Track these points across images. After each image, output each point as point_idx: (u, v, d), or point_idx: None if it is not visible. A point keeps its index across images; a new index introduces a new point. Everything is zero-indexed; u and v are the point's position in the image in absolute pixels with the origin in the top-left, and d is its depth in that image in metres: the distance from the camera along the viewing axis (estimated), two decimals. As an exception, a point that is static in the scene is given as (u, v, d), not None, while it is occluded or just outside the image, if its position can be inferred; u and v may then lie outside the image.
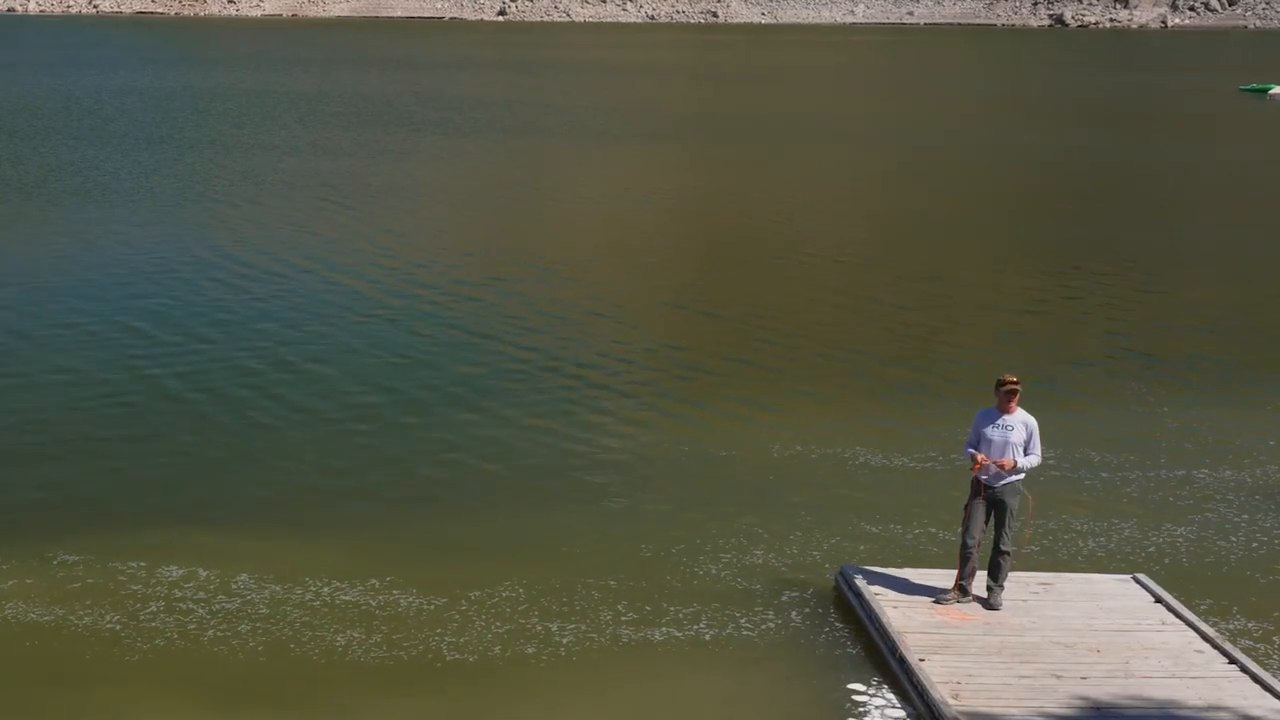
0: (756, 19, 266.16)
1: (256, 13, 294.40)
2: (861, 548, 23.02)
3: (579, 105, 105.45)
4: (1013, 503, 20.13)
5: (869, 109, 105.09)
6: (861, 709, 18.16)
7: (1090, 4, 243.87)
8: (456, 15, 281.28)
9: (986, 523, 20.31)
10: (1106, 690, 18.00)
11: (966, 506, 20.35)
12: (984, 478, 20.03)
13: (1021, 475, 20.11)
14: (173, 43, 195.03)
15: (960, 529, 20.48)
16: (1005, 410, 20.06)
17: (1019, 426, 19.98)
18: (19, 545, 22.67)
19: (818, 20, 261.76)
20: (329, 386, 31.75)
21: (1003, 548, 20.24)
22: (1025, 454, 19.95)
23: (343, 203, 57.73)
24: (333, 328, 36.74)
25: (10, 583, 21.32)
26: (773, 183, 66.61)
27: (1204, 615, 20.48)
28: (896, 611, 19.89)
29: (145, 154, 73.35)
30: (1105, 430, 28.91)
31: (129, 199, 57.67)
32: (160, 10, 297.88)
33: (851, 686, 18.63)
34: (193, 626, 20.03)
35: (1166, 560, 22.81)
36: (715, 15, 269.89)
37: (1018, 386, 20.09)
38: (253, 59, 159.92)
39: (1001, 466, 19.86)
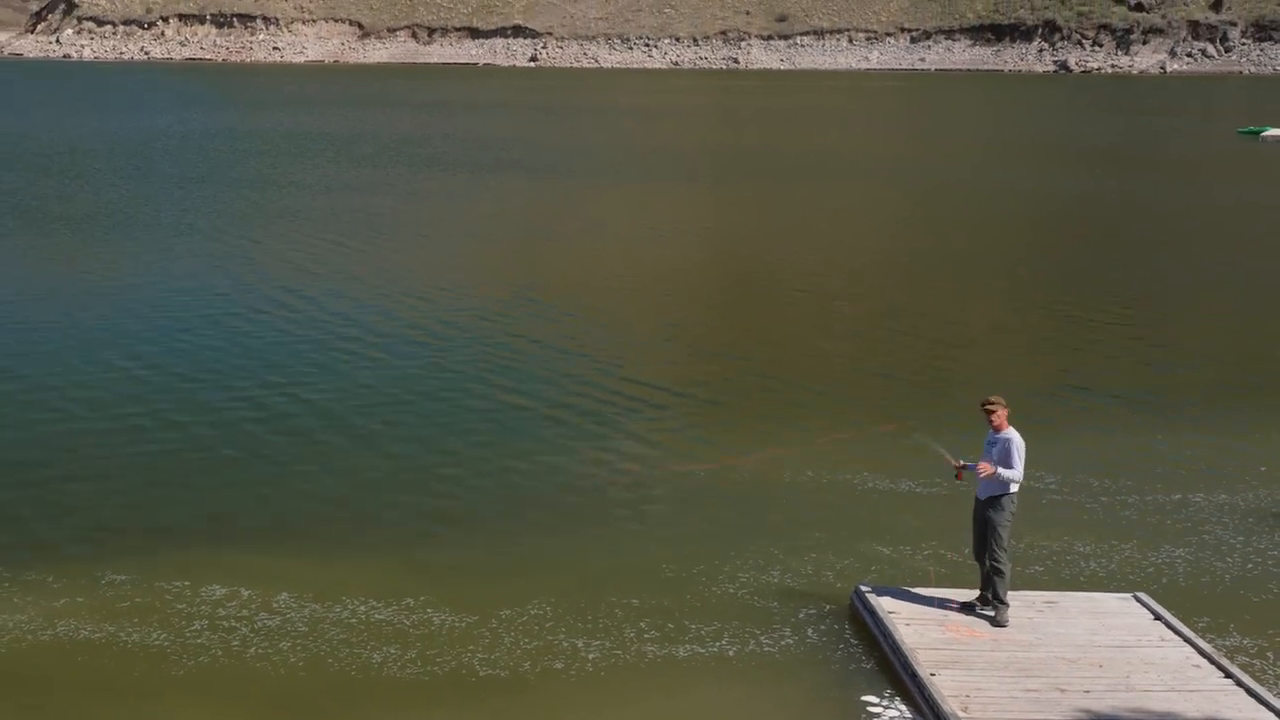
0: (776, 65, 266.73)
1: (300, 59, 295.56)
2: (872, 568, 23.10)
3: (602, 146, 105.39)
4: (996, 518, 20.37)
5: (882, 150, 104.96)
6: (876, 721, 18.30)
7: (1093, 51, 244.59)
8: (490, 62, 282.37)
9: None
10: (1108, 703, 18.10)
11: None
12: (980, 496, 20.49)
13: (1003, 489, 20.37)
14: (219, 87, 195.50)
15: None
16: (994, 429, 20.47)
17: (1000, 442, 20.42)
18: (70, 565, 22.81)
19: (834, 66, 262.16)
20: (365, 414, 31.79)
21: (988, 563, 20.55)
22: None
23: (373, 238, 57.86)
24: (364, 358, 36.81)
25: (62, 601, 21.44)
26: (787, 220, 66.63)
27: (1201, 632, 20.56)
28: (909, 629, 20.02)
29: (186, 192, 73.63)
30: (1104, 457, 28.98)
31: (171, 234, 57.83)
32: (209, 57, 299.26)
33: (866, 699, 18.74)
34: (235, 643, 20.13)
35: (1165, 580, 22.87)
36: (736, 61, 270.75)
37: (987, 407, 20.69)
38: (294, 102, 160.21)
39: (978, 470, 20.38)
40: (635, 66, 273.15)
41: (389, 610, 21.26)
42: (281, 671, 19.38)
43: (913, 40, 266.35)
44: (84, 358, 36.63)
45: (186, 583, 22.08)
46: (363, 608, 21.31)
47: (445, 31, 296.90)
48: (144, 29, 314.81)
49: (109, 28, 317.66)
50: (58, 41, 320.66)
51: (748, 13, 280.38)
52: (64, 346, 37.85)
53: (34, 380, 34.40)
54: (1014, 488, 20.35)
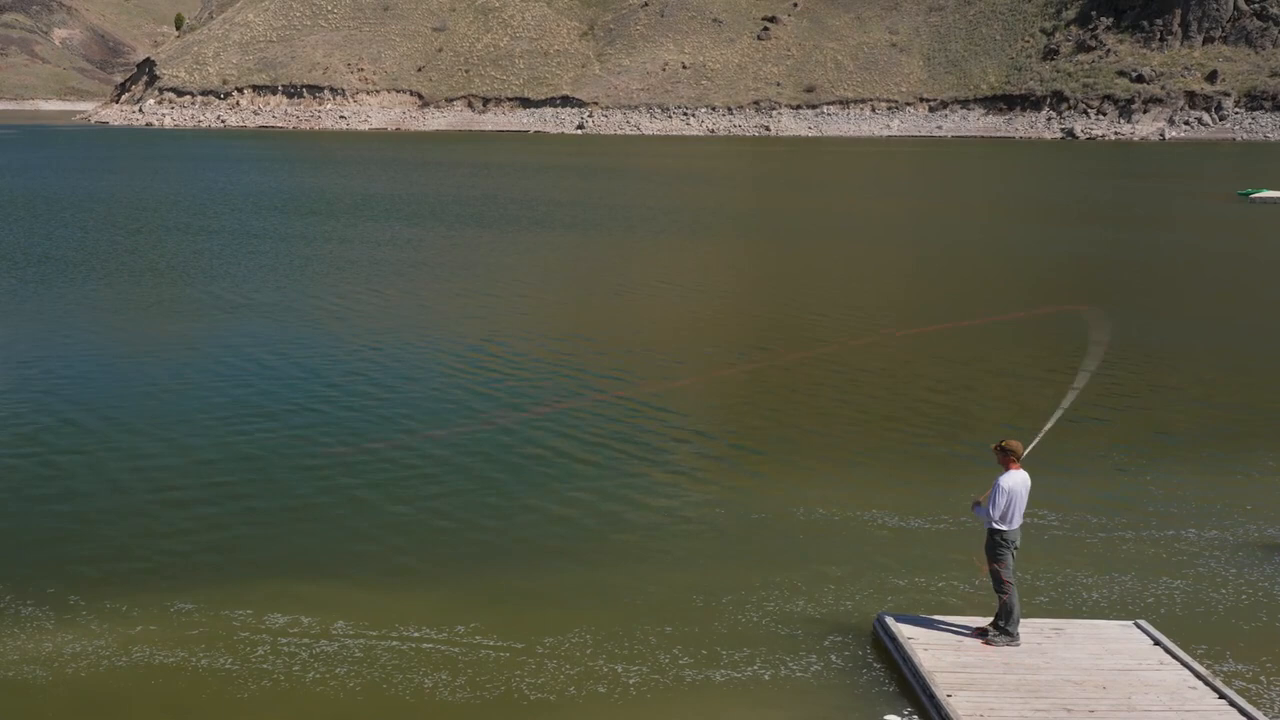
0: (804, 132, 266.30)
1: (365, 127, 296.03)
2: (889, 598, 23.04)
3: (641, 205, 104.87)
4: (989, 552, 20.55)
5: (903, 207, 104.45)
6: (896, 740, 18.28)
7: (1097, 119, 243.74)
8: (540, 129, 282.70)
9: None
10: (1111, 723, 18.07)
11: None
12: None
13: (986, 525, 20.56)
14: (287, 151, 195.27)
15: None
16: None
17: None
18: (142, 596, 22.90)
19: (858, 133, 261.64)
20: (417, 455, 31.79)
21: (995, 591, 20.70)
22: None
23: (418, 288, 57.69)
24: (415, 400, 36.86)
25: (137, 629, 21.51)
26: (809, 274, 66.41)
27: (1198, 657, 20.55)
28: (927, 653, 20.04)
29: (246, 245, 74.05)
30: (1103, 496, 28.88)
31: (230, 285, 57.71)
32: (281, 124, 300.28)
33: (889, 718, 18.65)
34: (296, 668, 20.17)
35: (1163, 609, 22.79)
36: (768, 129, 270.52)
37: (995, 449, 20.87)
38: (356, 164, 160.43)
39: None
40: (674, 134, 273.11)
41: (439, 638, 21.27)
42: (340, 695, 19.38)
43: (931, 109, 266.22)
44: (149, 402, 36.72)
45: (250, 612, 22.17)
46: (415, 635, 21.33)
47: (499, 101, 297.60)
48: (220, 99, 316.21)
49: (188, 98, 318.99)
50: (140, 110, 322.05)
51: (778, 84, 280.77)
52: (132, 391, 37.99)
53: (109, 422, 34.58)
54: (1009, 525, 20.27)
